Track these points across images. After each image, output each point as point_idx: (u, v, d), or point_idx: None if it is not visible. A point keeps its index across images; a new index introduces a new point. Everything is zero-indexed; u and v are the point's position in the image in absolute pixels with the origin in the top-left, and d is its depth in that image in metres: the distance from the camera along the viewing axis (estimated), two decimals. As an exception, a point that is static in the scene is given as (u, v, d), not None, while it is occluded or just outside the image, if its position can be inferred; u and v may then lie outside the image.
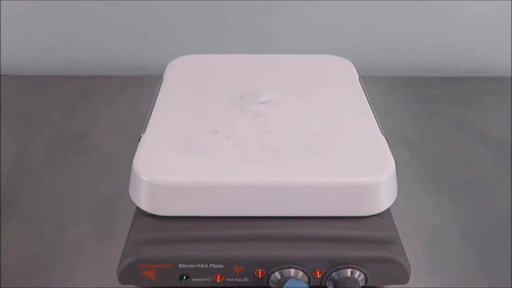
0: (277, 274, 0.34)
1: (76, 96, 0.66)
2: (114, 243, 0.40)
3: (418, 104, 0.65)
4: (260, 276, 0.34)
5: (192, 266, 0.33)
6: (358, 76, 0.47)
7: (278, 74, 0.48)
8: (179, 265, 0.33)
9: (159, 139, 0.38)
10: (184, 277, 0.34)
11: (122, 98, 0.65)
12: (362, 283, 0.34)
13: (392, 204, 0.36)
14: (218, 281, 0.34)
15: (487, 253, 0.42)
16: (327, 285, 0.35)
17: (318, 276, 0.34)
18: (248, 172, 0.35)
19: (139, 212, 0.36)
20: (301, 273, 0.34)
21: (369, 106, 0.42)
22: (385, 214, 0.36)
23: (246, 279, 0.34)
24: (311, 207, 0.35)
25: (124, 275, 0.34)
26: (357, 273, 0.34)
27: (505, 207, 0.47)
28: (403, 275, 0.34)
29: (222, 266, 0.34)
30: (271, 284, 0.35)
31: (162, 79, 0.47)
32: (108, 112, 0.62)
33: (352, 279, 0.34)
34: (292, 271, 0.34)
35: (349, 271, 0.34)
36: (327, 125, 0.40)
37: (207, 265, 0.34)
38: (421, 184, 0.50)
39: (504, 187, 0.49)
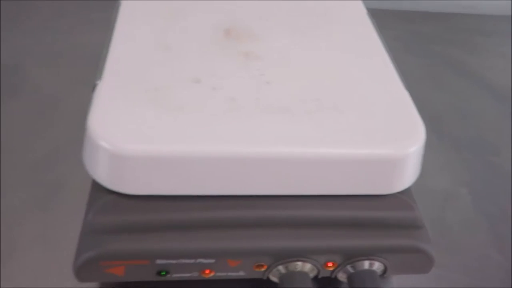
0: (280, 267, 0.27)
1: (6, 22, 0.53)
2: (60, 217, 0.32)
3: (409, 43, 0.57)
4: (259, 270, 0.27)
5: (173, 261, 0.26)
6: (366, 11, 0.39)
7: (271, 5, 0.38)
8: (157, 261, 0.26)
9: (123, 89, 0.28)
10: (163, 272, 0.27)
11: (64, 23, 0.53)
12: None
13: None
14: (206, 276, 0.27)
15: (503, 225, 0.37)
16: (338, 277, 0.29)
17: (330, 269, 0.28)
18: (243, 138, 0.27)
19: (98, 187, 0.27)
20: (309, 265, 0.27)
21: (385, 51, 0.35)
22: (406, 190, 0.30)
23: (241, 273, 0.27)
24: (322, 184, 0.28)
25: (83, 273, 0.26)
26: (376, 264, 0.28)
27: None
28: (426, 265, 0.29)
29: (213, 260, 0.26)
30: (271, 277, 0.28)
31: (120, 3, 0.36)
32: (45, 42, 0.50)
33: (370, 272, 0.28)
34: (299, 263, 0.27)
35: (367, 263, 0.28)
36: (337, 75, 0.32)
37: (193, 259, 0.26)
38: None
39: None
